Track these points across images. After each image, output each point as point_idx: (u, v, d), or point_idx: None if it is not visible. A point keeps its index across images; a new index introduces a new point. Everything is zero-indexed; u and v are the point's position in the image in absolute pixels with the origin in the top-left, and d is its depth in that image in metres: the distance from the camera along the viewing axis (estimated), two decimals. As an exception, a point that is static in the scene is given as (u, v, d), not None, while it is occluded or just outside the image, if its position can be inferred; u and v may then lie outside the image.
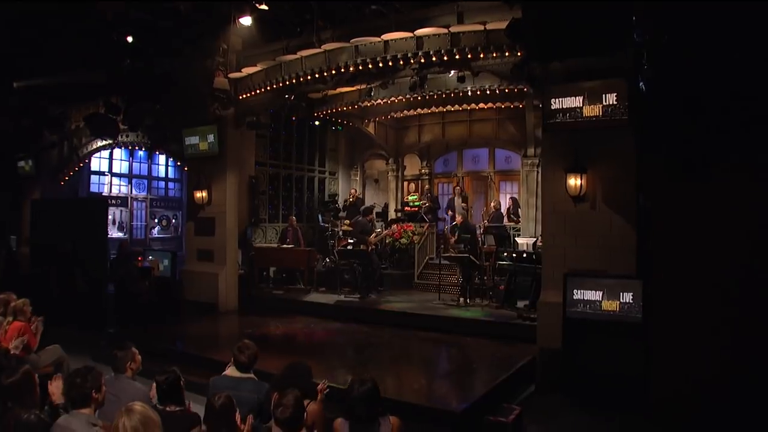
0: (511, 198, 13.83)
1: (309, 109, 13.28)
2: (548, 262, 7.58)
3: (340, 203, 14.55)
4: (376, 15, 9.13)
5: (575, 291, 6.60)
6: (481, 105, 12.11)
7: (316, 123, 14.05)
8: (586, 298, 6.54)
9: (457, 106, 12.72)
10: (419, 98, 11.88)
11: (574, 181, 7.11)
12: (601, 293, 6.47)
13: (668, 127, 5.79)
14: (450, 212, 12.91)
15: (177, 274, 10.74)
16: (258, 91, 10.40)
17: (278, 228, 13.60)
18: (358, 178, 16.08)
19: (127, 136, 12.56)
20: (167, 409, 3.58)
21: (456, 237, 10.70)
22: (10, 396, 3.27)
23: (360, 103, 12.19)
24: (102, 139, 12.51)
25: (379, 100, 11.86)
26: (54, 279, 9.83)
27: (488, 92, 10.76)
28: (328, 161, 15.47)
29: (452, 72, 10.18)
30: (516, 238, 11.56)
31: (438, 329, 8.93)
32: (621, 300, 6.36)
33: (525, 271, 9.51)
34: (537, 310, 7.61)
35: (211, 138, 10.83)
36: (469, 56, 7.89)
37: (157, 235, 16.13)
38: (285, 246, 11.98)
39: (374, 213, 12.25)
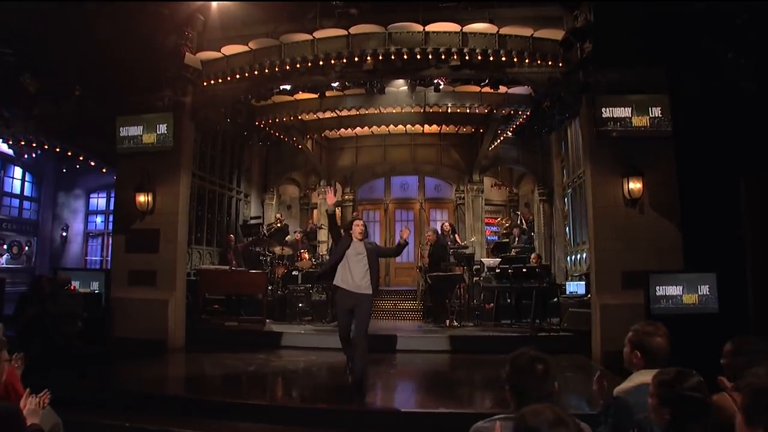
0: (449, 224, 13.85)
1: (248, 117, 11.74)
2: (601, 267, 7.62)
3: (264, 228, 12.88)
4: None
5: (658, 288, 6.70)
6: (437, 128, 12.19)
7: (248, 133, 12.44)
8: (668, 294, 6.69)
9: (399, 127, 12.57)
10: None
11: (633, 185, 7.37)
12: (681, 288, 6.71)
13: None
14: None
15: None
16: (234, 78, 8.76)
17: (202, 251, 11.38)
18: (273, 203, 14.51)
19: (8, 126, 9.40)
20: None
21: (429, 255, 10.13)
22: None
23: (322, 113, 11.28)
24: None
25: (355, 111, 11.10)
26: None
27: (468, 111, 10.79)
28: (243, 182, 13.67)
29: (441, 85, 9.96)
30: (482, 259, 11.48)
31: (469, 351, 8.09)
32: (699, 293, 6.67)
33: (522, 290, 9.38)
34: (591, 315, 7.52)
35: (163, 129, 8.70)
36: (515, 60, 7.81)
37: (5, 265, 12.04)
38: (239, 269, 9.99)
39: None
